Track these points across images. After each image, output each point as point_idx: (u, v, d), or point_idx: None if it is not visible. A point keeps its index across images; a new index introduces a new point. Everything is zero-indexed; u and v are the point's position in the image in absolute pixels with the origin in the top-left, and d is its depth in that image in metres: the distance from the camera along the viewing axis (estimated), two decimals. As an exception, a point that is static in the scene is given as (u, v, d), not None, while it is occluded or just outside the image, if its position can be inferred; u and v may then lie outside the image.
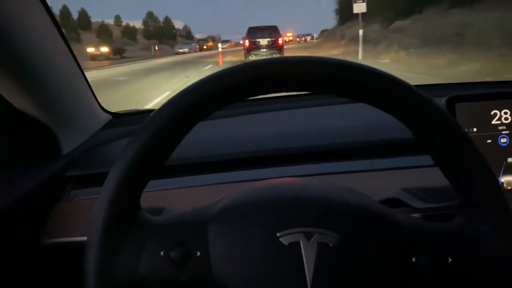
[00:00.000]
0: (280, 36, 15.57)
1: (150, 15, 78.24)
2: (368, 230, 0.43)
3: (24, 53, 0.70)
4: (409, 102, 0.40)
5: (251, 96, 0.42)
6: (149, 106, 5.68)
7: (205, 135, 0.85)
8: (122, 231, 0.42)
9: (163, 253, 0.42)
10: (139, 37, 68.30)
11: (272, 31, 15.75)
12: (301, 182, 0.50)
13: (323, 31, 42.57)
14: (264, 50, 15.26)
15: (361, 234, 0.42)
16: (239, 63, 0.43)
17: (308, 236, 0.41)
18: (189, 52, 31.22)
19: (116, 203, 0.41)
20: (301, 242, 0.41)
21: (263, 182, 0.50)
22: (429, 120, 0.40)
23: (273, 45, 15.28)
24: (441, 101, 0.67)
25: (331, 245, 0.41)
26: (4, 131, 0.79)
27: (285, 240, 0.41)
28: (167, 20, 79.66)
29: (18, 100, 0.74)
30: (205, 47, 39.19)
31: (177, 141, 0.43)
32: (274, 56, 15.95)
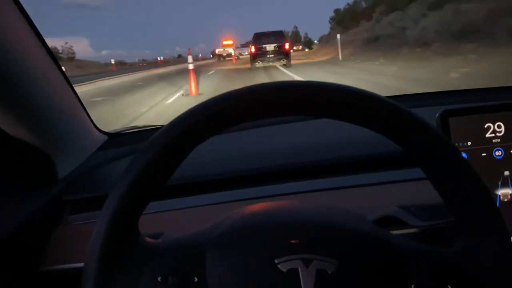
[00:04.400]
0: (287, 41, 15.58)
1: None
2: (367, 256, 0.44)
3: (16, 77, 0.72)
4: (400, 123, 0.42)
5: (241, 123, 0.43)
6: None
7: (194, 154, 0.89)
8: (119, 256, 0.43)
9: (161, 279, 0.43)
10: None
11: (278, 36, 15.77)
12: (298, 205, 0.51)
13: (321, 37, 44.64)
14: (271, 56, 15.28)
15: (360, 260, 0.44)
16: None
17: (307, 263, 0.43)
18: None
19: (113, 230, 0.42)
20: (299, 269, 0.42)
21: (260, 205, 0.51)
22: (421, 141, 0.42)
23: (280, 51, 15.28)
24: (434, 113, 0.70)
25: (329, 272, 0.42)
26: None
27: (283, 267, 0.43)
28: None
29: (10, 124, 0.76)
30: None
31: (175, 166, 0.44)
32: (281, 62, 15.53)
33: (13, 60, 0.72)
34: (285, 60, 15.33)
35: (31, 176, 0.86)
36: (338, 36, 16.37)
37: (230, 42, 42.17)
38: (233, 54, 36.65)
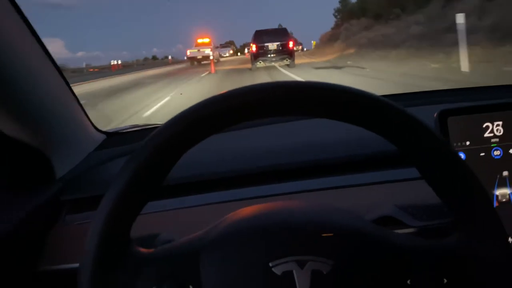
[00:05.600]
0: (290, 39, 14.83)
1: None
2: (362, 255, 0.44)
3: (13, 76, 0.73)
4: (395, 123, 0.42)
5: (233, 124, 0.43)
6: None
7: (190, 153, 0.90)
8: (112, 267, 0.43)
9: (155, 287, 0.44)
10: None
11: (281, 34, 15.09)
12: (290, 206, 0.52)
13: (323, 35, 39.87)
14: (273, 55, 14.52)
15: (355, 259, 0.44)
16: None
17: (301, 264, 0.43)
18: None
19: (105, 239, 0.42)
20: (294, 271, 0.43)
21: (253, 208, 0.51)
22: (416, 141, 0.42)
23: (283, 50, 14.55)
24: (432, 112, 0.70)
25: (324, 272, 0.43)
26: None
27: (278, 270, 0.43)
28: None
29: (7, 123, 0.77)
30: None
31: (169, 167, 0.44)
32: (285, 61, 14.29)
33: (10, 59, 0.72)
34: (288, 60, 14.53)
35: (28, 175, 0.86)
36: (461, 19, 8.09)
37: (207, 40, 28.21)
38: (211, 56, 23.92)
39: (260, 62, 14.71)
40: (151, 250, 0.48)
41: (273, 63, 14.83)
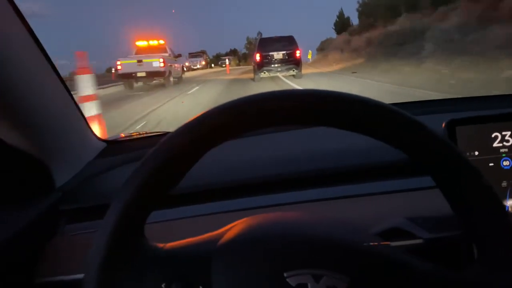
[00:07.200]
0: (297, 48, 14.12)
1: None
2: (378, 274, 0.44)
3: (13, 83, 0.73)
4: (408, 132, 0.42)
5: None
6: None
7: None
8: (122, 263, 0.43)
9: (164, 285, 0.44)
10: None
11: (287, 42, 14.32)
12: (308, 218, 0.51)
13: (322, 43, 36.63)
14: (278, 65, 13.80)
15: (371, 278, 0.44)
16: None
17: (317, 278, 0.43)
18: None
19: (116, 239, 0.42)
20: (309, 285, 0.42)
21: (270, 215, 0.51)
22: (431, 151, 0.42)
23: (290, 59, 13.90)
24: (440, 121, 0.70)
25: None
26: None
27: (292, 281, 0.43)
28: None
29: (6, 131, 0.77)
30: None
31: (180, 176, 0.44)
32: (291, 72, 13.61)
33: (10, 67, 0.72)
34: (295, 70, 13.86)
35: (27, 185, 0.86)
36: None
37: (155, 42, 16.23)
38: (163, 69, 12.98)
39: (264, 73, 13.90)
40: (163, 246, 0.47)
41: (278, 73, 14.21)
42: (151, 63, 12.72)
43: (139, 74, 12.71)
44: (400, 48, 16.30)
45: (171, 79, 13.89)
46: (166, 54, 14.25)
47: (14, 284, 0.74)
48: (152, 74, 12.87)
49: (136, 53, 15.07)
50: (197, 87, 13.01)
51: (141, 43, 16.12)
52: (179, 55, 16.03)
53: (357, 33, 26.21)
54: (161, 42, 15.99)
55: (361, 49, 21.44)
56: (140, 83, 13.63)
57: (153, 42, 15.99)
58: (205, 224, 0.80)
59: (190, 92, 11.63)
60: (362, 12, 28.82)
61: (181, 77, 15.99)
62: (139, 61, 12.75)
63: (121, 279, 0.44)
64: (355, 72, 14.62)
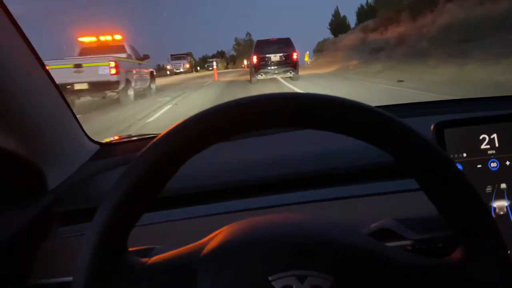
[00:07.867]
0: (294, 50, 14.14)
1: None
2: (362, 271, 0.45)
3: (5, 86, 0.74)
4: (393, 134, 0.42)
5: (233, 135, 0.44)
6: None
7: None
8: (107, 275, 0.43)
9: None
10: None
11: (284, 44, 14.38)
12: (291, 219, 0.52)
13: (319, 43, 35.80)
14: (275, 67, 13.81)
15: (355, 275, 0.44)
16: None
17: (302, 279, 0.43)
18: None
19: (103, 244, 0.42)
20: (294, 286, 0.43)
21: (250, 220, 0.51)
22: (415, 152, 0.42)
23: (286, 61, 13.91)
24: (428, 123, 0.71)
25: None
26: None
27: (277, 284, 0.43)
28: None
29: None
30: None
31: (166, 180, 0.44)
32: (288, 74, 13.71)
33: (2, 69, 0.73)
34: (292, 73, 13.91)
35: (20, 187, 0.87)
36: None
37: (107, 38, 10.32)
38: (115, 77, 8.26)
39: (261, 75, 13.94)
40: (148, 260, 0.47)
41: (275, 76, 14.17)
42: (95, 68, 8.34)
43: (77, 86, 8.22)
44: (462, 46, 11.70)
45: (130, 92, 9.41)
46: (123, 55, 9.74)
47: (7, 286, 0.74)
48: (98, 85, 8.38)
49: (79, 54, 10.43)
50: (167, 106, 8.58)
51: (87, 39, 10.88)
52: (146, 57, 11.33)
53: (371, 30, 23.79)
54: (117, 37, 10.90)
55: (387, 49, 18.08)
56: (87, 98, 9.00)
57: (105, 38, 10.86)
58: (190, 227, 0.81)
59: (150, 119, 6.85)
60: (379, 4, 25.14)
61: (149, 87, 11.44)
62: (77, 65, 8.30)
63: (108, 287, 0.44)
64: (402, 81, 10.50)
